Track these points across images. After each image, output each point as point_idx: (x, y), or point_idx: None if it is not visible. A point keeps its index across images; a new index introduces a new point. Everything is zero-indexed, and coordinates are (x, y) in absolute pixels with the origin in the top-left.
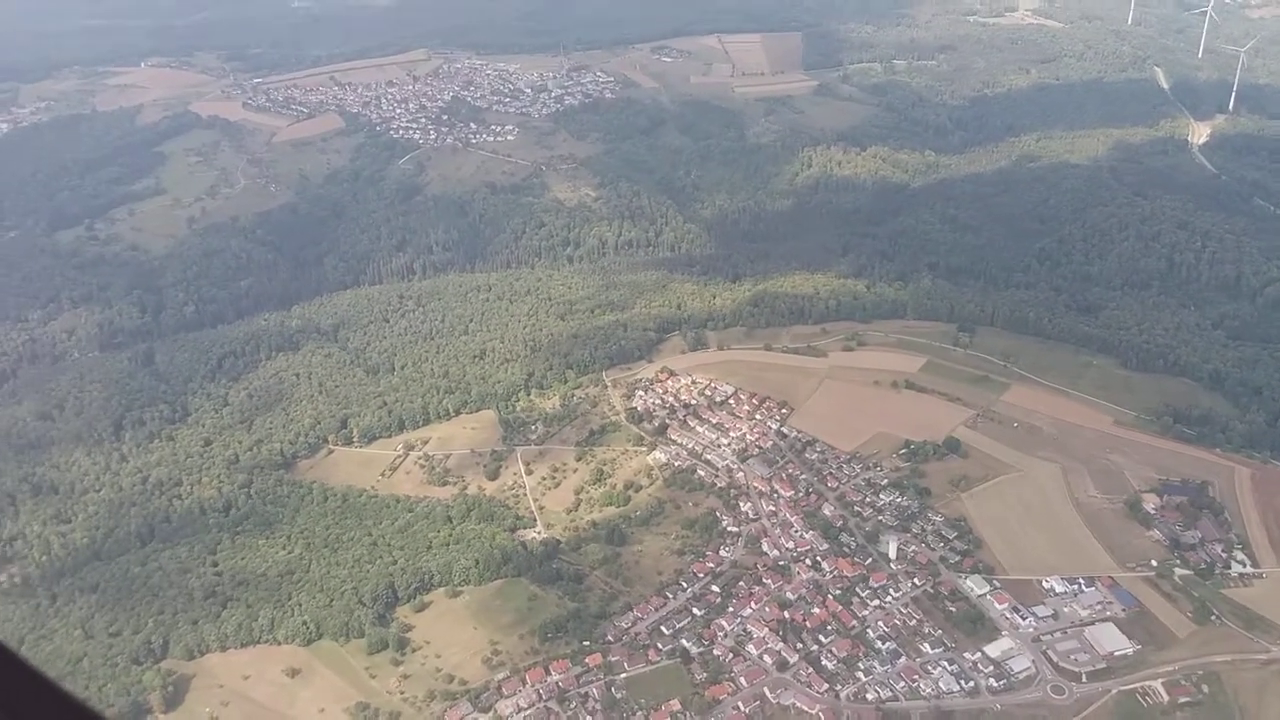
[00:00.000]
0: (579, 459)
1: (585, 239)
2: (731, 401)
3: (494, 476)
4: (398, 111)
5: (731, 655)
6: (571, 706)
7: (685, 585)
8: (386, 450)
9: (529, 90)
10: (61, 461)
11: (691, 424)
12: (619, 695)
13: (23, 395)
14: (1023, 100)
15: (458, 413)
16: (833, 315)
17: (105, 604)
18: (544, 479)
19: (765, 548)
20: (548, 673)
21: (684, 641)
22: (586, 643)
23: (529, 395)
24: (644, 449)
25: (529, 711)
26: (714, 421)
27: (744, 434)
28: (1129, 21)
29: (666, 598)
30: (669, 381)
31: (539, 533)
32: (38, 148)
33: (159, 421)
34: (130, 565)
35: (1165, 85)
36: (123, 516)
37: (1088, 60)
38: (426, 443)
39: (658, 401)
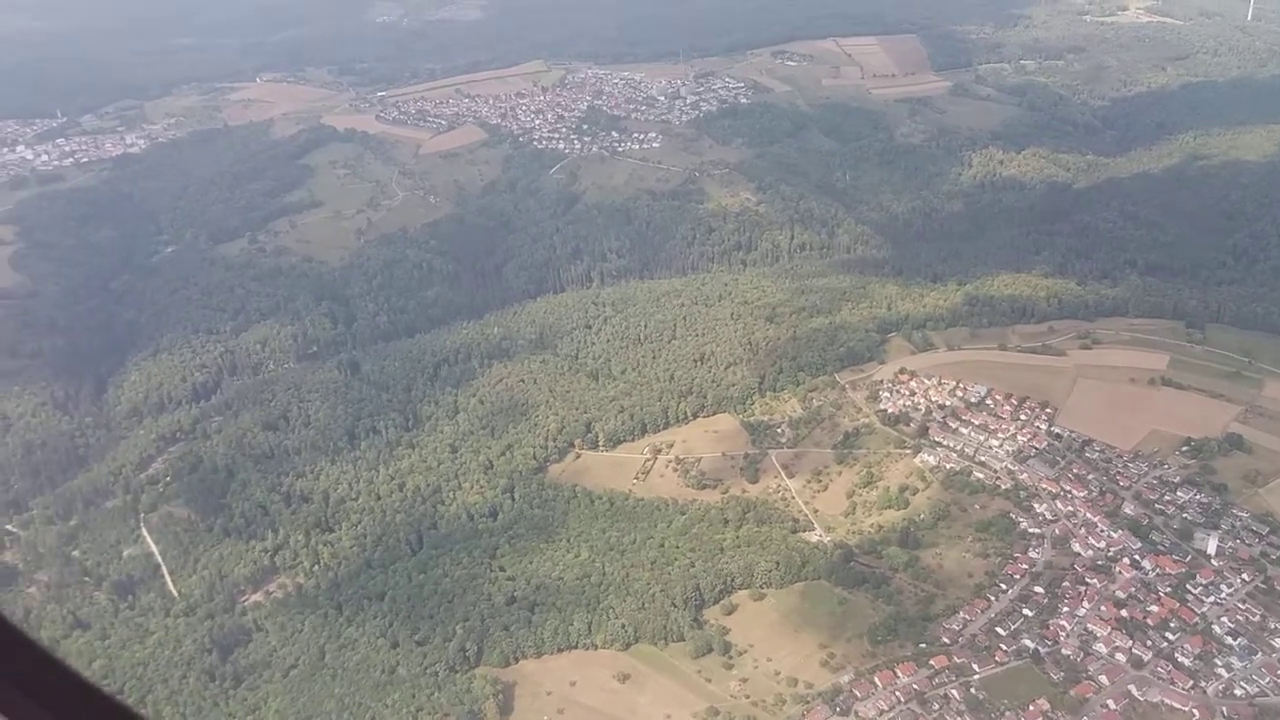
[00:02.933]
0: (839, 462)
1: (758, 243)
2: (989, 402)
3: (754, 480)
4: (536, 122)
5: (1082, 654)
6: (935, 709)
7: (1004, 587)
8: (633, 454)
9: (663, 98)
10: (307, 471)
11: (952, 425)
12: (980, 696)
13: (238, 407)
14: (1169, 99)
15: (695, 416)
16: (1054, 314)
17: (400, 612)
18: (808, 482)
19: (1076, 548)
20: (895, 675)
21: (1027, 641)
22: (923, 645)
23: (763, 398)
24: (907, 451)
25: (891, 714)
26: (977, 423)
27: (1013, 434)
28: (1249, 17)
29: (989, 599)
30: (911, 382)
31: (820, 536)
32: (179, 162)
33: (394, 430)
34: (410, 573)
35: None
36: (388, 524)
37: (1223, 57)
38: (671, 446)
39: (907, 403)
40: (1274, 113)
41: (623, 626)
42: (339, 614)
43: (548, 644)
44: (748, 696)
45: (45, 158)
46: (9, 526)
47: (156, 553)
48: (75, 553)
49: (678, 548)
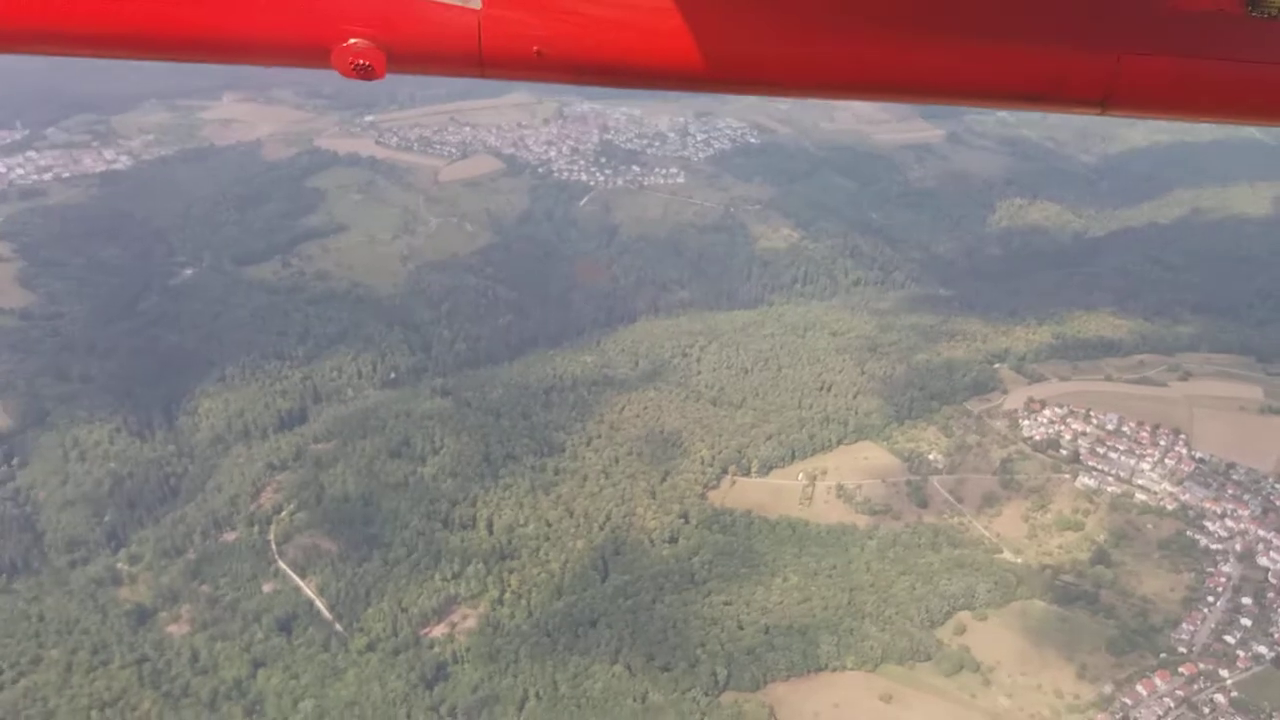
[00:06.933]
0: (1004, 487)
1: (816, 278)
2: (1125, 429)
3: (923, 505)
4: (551, 154)
5: None
6: (1206, 713)
7: (1211, 599)
8: (786, 480)
9: (672, 134)
10: (460, 498)
11: (1101, 451)
12: (1244, 699)
13: (344, 435)
14: (1152, 156)
15: (838, 444)
16: (1139, 349)
17: (624, 639)
18: (980, 508)
19: (1263, 561)
20: (1155, 683)
21: (1261, 648)
22: (1164, 654)
23: (901, 426)
24: (1066, 476)
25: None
26: (1122, 448)
27: (1160, 459)
28: None
29: (1203, 611)
30: (1045, 411)
31: (1012, 558)
32: (173, 181)
33: (533, 456)
34: (613, 598)
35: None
36: (569, 550)
37: None
38: (825, 473)
39: (1049, 430)
40: (1250, 172)
41: (871, 647)
42: (551, 644)
43: (797, 666)
44: (1022, 709)
45: (21, 171)
46: (118, 564)
47: (304, 586)
48: (204, 588)
49: (886, 571)
